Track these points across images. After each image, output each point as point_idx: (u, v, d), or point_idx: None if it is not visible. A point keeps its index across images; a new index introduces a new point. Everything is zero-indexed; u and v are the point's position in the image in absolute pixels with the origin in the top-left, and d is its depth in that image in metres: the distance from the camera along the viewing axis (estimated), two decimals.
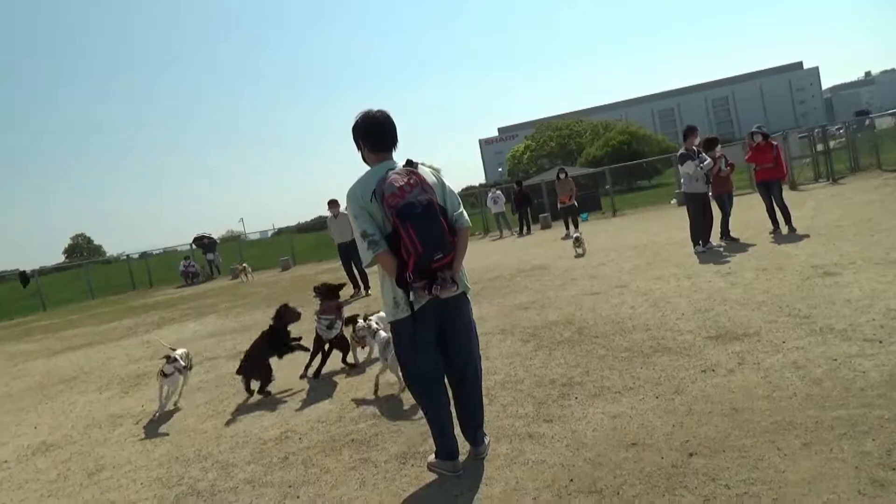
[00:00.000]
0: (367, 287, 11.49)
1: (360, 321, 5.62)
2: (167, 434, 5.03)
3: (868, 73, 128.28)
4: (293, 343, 6.05)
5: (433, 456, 3.50)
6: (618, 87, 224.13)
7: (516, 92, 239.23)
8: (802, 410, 3.39)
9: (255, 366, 5.68)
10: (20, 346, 13.17)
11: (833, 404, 3.41)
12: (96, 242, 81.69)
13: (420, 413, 4.33)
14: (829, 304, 5.28)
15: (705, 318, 5.55)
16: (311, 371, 6.04)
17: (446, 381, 3.46)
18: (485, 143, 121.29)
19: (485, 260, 13.81)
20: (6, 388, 8.35)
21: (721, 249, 9.23)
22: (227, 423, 5.02)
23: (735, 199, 10.36)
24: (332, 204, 11.88)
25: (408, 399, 4.78)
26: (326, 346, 6.12)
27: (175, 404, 5.74)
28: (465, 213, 3.39)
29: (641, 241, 12.05)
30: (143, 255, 31.95)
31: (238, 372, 5.73)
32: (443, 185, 3.36)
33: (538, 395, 4.38)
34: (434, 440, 3.45)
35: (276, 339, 5.95)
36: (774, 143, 10.06)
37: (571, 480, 3.07)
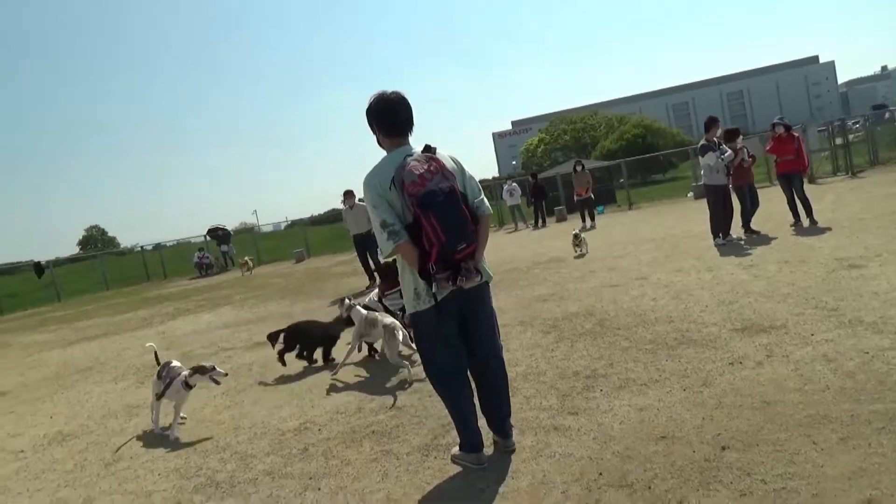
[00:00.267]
0: None
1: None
2: (184, 424, 4.98)
3: (884, 68, 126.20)
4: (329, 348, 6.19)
5: (457, 448, 3.42)
6: (632, 81, 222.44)
7: (529, 86, 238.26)
8: (837, 404, 3.29)
9: (317, 336, 6.07)
10: (35, 337, 13.24)
11: (868, 398, 3.30)
12: (110, 234, 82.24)
13: (441, 405, 4.28)
14: (856, 297, 5.15)
15: (730, 311, 5.44)
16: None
17: (468, 372, 3.38)
18: (498, 137, 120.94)
19: (501, 252, 13.71)
20: (22, 379, 8.37)
21: (742, 242, 9.09)
22: (245, 414, 4.98)
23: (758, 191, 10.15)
24: (348, 195, 11.81)
25: (428, 390, 4.69)
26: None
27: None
28: (485, 199, 3.29)
29: (659, 234, 11.91)
30: (157, 247, 32.11)
31: (273, 338, 6.12)
32: (462, 170, 3.25)
33: (562, 387, 4.29)
34: (458, 433, 3.37)
35: (334, 333, 6.15)
36: (796, 134, 9.89)
37: (600, 474, 2.99)
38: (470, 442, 3.31)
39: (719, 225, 9.22)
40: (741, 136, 9.91)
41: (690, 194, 20.20)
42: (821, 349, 4.12)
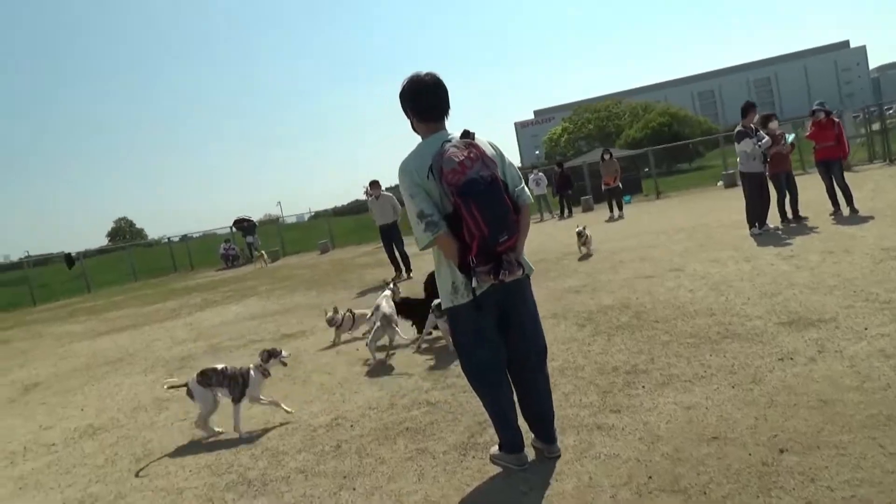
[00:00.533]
0: (408, 269, 11.34)
1: None
2: (214, 419, 4.91)
3: None
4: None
5: (496, 448, 3.28)
6: (656, 69, 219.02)
7: (551, 75, 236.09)
8: None
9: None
10: (66, 328, 13.38)
11: None
12: (138, 226, 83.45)
13: (479, 401, 4.14)
14: None
15: (774, 303, 5.22)
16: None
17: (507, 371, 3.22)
18: (520, 127, 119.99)
19: (529, 243, 13.11)
20: (53, 369, 8.42)
21: (779, 232, 8.81)
22: (274, 410, 4.88)
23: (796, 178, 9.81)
24: (374, 185, 11.70)
25: (462, 385, 4.57)
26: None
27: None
28: (526, 188, 3.12)
29: (691, 224, 11.62)
30: (184, 238, 32.35)
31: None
32: (502, 157, 3.08)
33: (601, 383, 4.14)
34: (497, 433, 3.23)
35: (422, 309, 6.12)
36: (836, 120, 9.54)
37: (650, 477, 2.83)
38: (510, 442, 3.17)
39: (755, 214, 8.94)
40: (776, 121, 9.57)
41: (720, 183, 19.79)
42: (877, 344, 3.90)
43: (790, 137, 9.36)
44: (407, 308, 6.31)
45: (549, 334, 5.38)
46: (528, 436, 3.27)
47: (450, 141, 2.91)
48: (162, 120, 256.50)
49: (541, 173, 21.45)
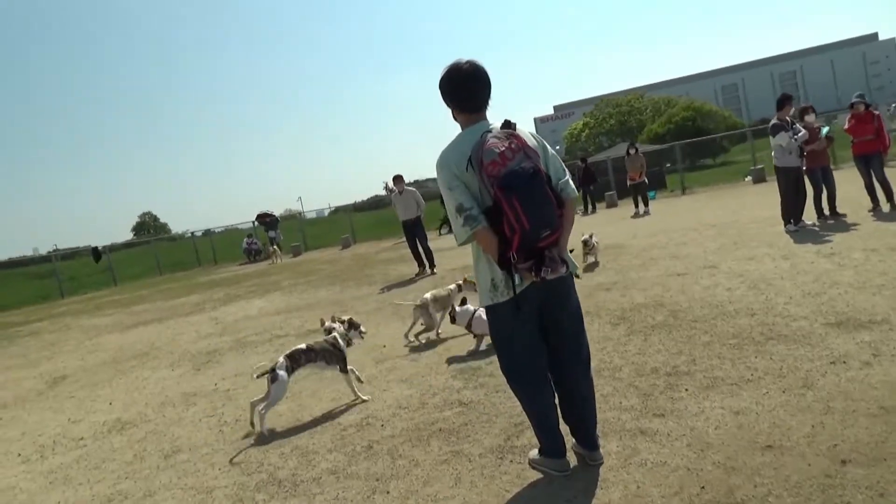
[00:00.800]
0: (432, 266, 11.22)
1: None
2: (243, 416, 4.84)
3: None
4: None
5: (536, 452, 3.15)
6: (678, 64, 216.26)
7: (570, 70, 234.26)
8: None
9: None
10: (93, 321, 13.47)
11: None
12: (162, 220, 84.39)
13: (513, 402, 4.01)
14: None
15: (819, 303, 5.02)
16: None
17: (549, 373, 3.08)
18: (540, 122, 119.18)
19: None
20: (81, 362, 8.45)
21: (816, 228, 8.54)
22: (303, 407, 4.81)
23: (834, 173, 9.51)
24: (397, 180, 11.60)
25: (494, 385, 4.46)
26: None
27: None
28: (570, 181, 2.96)
29: (721, 220, 11.36)
30: (207, 233, 32.58)
31: None
32: (545, 148, 2.93)
33: (641, 385, 3.98)
34: (537, 437, 3.10)
35: None
36: (876, 112, 9.22)
37: (703, 488, 2.68)
38: (551, 447, 3.03)
39: (791, 210, 8.68)
40: (813, 114, 9.28)
41: (749, 178, 19.39)
42: None
43: (825, 130, 9.06)
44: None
45: None
46: (568, 440, 3.14)
47: (490, 131, 2.78)
48: (185, 115, 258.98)
49: None
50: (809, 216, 8.96)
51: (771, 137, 8.69)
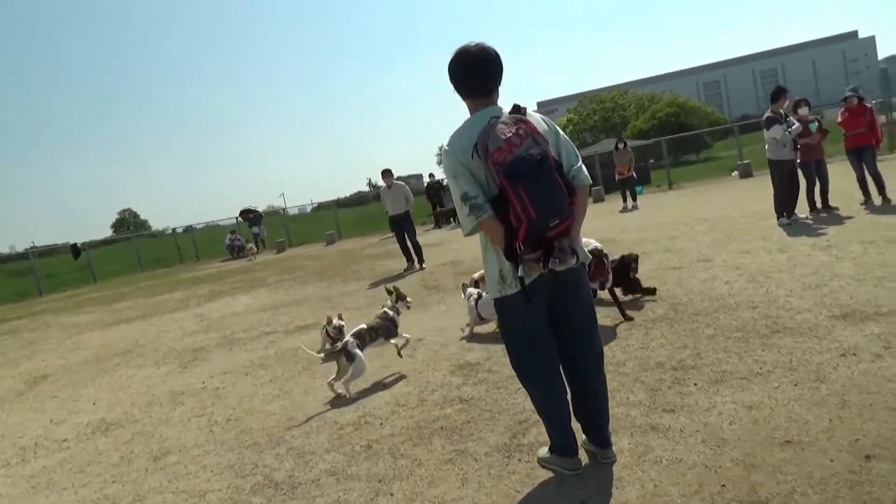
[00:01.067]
0: (421, 261, 11.07)
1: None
2: (233, 415, 4.68)
3: None
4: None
5: (545, 450, 3.04)
6: (661, 60, 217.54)
7: (552, 66, 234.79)
8: None
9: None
10: (74, 318, 13.15)
11: None
12: (142, 217, 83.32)
13: (515, 398, 3.90)
14: None
15: (821, 295, 4.95)
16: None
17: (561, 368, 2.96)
18: None
19: None
20: (63, 361, 8.19)
21: (809, 221, 8.51)
22: (297, 405, 4.65)
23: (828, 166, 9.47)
24: (386, 174, 11.41)
25: (495, 381, 4.33)
26: None
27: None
28: (583, 167, 2.82)
29: (711, 214, 11.32)
30: (189, 230, 32.05)
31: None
32: (556, 133, 2.79)
33: (647, 380, 3.88)
34: (548, 434, 2.98)
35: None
36: (868, 105, 9.21)
37: (724, 486, 2.58)
38: (562, 445, 2.92)
39: (784, 203, 8.64)
40: (807, 107, 9.24)
41: (735, 173, 19.45)
42: None
43: (813, 127, 9.00)
44: None
45: None
46: (579, 437, 3.02)
47: (498, 117, 2.65)
48: (165, 111, 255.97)
49: None
50: (802, 209, 8.94)
51: (765, 130, 8.64)
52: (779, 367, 3.70)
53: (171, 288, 16.08)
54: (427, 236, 16.74)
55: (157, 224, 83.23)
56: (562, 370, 2.92)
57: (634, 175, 16.56)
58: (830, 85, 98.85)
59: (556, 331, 2.85)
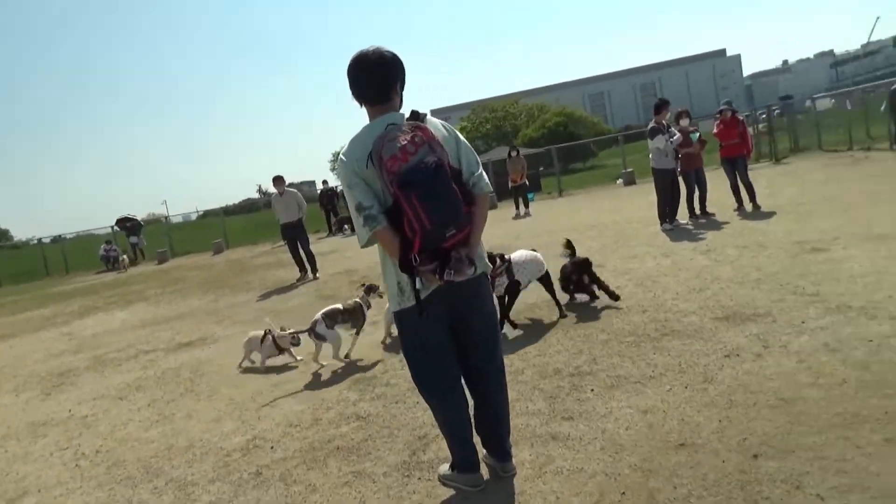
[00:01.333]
0: (315, 270, 10.72)
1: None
2: (104, 446, 4.24)
3: (785, 62, 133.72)
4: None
5: (446, 467, 2.92)
6: (549, 71, 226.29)
7: (446, 74, 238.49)
8: (863, 399, 3.00)
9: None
10: None
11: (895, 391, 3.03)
12: (2, 227, 76.34)
13: (414, 413, 3.77)
14: (833, 281, 4.99)
15: (704, 298, 5.18)
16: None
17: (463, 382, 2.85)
18: None
19: None
20: None
21: (689, 227, 8.99)
22: (178, 431, 4.28)
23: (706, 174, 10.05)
24: (277, 181, 10.97)
25: (393, 395, 4.18)
26: None
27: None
28: (484, 174, 2.72)
29: (600, 220, 11.74)
30: (57, 240, 29.59)
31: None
32: (456, 139, 2.69)
33: (546, 387, 3.87)
34: (450, 450, 2.87)
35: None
36: (740, 118, 9.88)
37: (623, 493, 2.56)
38: (464, 461, 2.81)
39: (666, 210, 9.08)
40: (687, 119, 9.78)
41: (619, 181, 20.38)
42: (819, 338, 3.87)
43: (695, 136, 9.56)
44: None
45: None
46: (481, 451, 2.93)
47: (396, 124, 2.51)
48: (33, 112, 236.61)
49: None
50: (682, 215, 9.43)
51: (649, 140, 9.04)
52: (669, 370, 3.79)
53: (38, 304, 14.70)
54: (321, 244, 16.32)
55: (20, 234, 76.51)
56: (464, 382, 2.82)
57: (527, 182, 16.95)
58: (703, 97, 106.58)
59: (457, 342, 2.75)
